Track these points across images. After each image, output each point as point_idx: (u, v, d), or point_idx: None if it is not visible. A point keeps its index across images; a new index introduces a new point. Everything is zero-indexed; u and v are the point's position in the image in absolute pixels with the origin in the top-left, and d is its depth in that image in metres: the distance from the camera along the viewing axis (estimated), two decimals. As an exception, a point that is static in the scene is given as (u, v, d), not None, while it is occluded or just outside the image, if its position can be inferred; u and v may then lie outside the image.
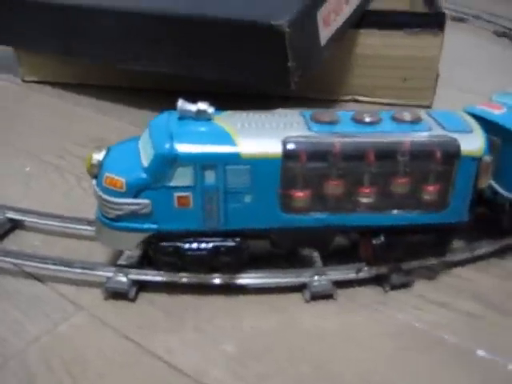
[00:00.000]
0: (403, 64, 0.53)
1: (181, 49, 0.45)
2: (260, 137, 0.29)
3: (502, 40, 0.76)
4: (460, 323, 0.31)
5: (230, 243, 0.30)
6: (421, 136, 0.30)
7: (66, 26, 0.50)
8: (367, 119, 0.30)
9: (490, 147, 0.32)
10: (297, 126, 0.30)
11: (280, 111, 0.31)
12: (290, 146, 0.28)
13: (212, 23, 0.43)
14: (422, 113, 0.32)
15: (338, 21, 0.47)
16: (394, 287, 0.33)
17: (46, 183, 0.42)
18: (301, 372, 0.28)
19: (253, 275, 0.32)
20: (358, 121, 0.30)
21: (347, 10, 0.48)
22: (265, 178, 0.29)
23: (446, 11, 0.80)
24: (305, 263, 0.33)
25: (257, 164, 0.29)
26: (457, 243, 0.36)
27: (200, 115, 0.29)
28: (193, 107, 0.29)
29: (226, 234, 0.30)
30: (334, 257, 0.34)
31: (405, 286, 0.33)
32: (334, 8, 0.46)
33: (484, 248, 0.35)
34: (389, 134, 0.30)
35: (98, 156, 0.30)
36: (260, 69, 0.43)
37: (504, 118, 0.32)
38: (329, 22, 0.46)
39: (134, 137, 0.31)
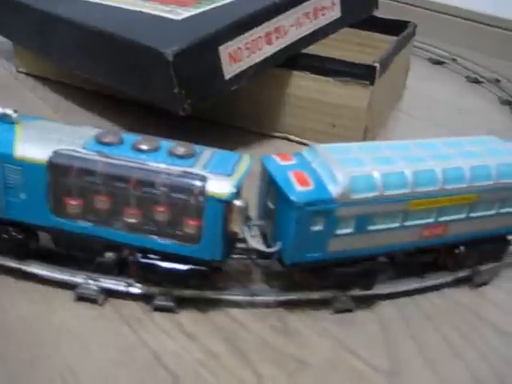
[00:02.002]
0: (332, 110, 0.53)
1: (102, 62, 0.50)
2: (36, 144, 0.33)
3: (505, 108, 0.71)
4: (192, 358, 0.32)
5: (10, 232, 0.34)
6: (176, 171, 0.31)
7: (40, 28, 0.57)
8: (143, 147, 0.33)
9: (271, 195, 0.33)
10: (77, 142, 0.33)
11: (86, 127, 0.35)
12: (54, 157, 0.32)
13: (121, 42, 0.47)
14: (208, 151, 0.34)
15: (254, 58, 0.48)
16: (158, 309, 0.35)
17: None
18: (19, 358, 0.31)
19: (37, 265, 0.36)
20: (134, 147, 0.33)
21: (268, 50, 0.49)
22: (34, 180, 0.33)
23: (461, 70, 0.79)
24: (102, 268, 0.36)
25: (27, 167, 0.32)
26: (259, 286, 0.37)
27: (4, 118, 0.34)
28: (-1, 110, 0.34)
29: (12, 223, 0.35)
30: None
31: (170, 310, 0.35)
32: (247, 46, 0.48)
33: (266, 297, 0.36)
34: (150, 163, 0.32)
35: None
36: (156, 90, 0.47)
37: (277, 169, 0.33)
38: (239, 58, 0.48)
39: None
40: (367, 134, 0.53)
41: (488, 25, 0.86)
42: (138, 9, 0.51)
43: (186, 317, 0.35)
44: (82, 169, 0.32)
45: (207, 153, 0.33)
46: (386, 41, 0.69)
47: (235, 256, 0.37)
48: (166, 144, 0.33)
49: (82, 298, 0.35)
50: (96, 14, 0.51)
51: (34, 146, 0.32)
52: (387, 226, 0.34)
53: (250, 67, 0.49)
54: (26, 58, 0.64)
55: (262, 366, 0.32)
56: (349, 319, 0.36)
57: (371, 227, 0.34)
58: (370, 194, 0.33)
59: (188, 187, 0.31)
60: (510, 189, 0.37)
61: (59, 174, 0.32)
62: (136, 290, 0.35)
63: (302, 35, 0.52)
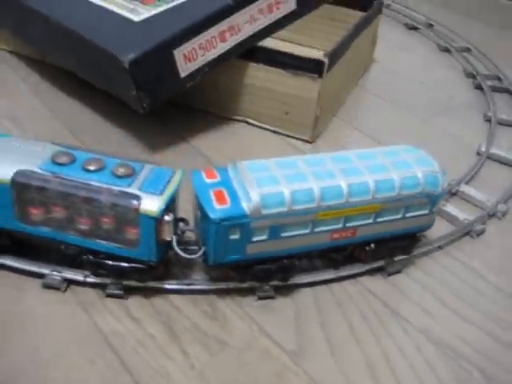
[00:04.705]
0: (285, 99, 0.57)
1: (72, 56, 0.55)
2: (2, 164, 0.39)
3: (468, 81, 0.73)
4: (134, 339, 0.39)
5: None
6: (115, 191, 0.37)
7: (16, 13, 0.61)
8: (90, 167, 0.39)
9: (198, 206, 0.39)
10: (34, 161, 0.39)
11: (48, 144, 0.41)
12: (17, 177, 0.38)
13: (85, 41, 0.51)
14: (146, 169, 0.39)
15: (208, 56, 0.53)
16: (109, 296, 0.42)
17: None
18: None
19: (10, 259, 0.43)
20: (83, 167, 0.39)
21: (222, 47, 0.53)
22: (2, 195, 0.39)
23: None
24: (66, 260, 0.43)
25: (-3, 184, 0.39)
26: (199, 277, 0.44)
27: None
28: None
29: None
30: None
31: (119, 297, 0.42)
32: (201, 46, 0.52)
33: (200, 285, 0.43)
34: (94, 183, 0.38)
35: None
36: (119, 89, 0.52)
37: (201, 187, 0.38)
38: (193, 57, 0.52)
39: None
40: (318, 121, 0.58)
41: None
42: (104, 5, 0.55)
43: (133, 303, 0.42)
44: (39, 186, 0.38)
45: (145, 171, 0.39)
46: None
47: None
48: (111, 163, 0.39)
49: (47, 286, 0.42)
50: (64, 9, 0.55)
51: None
52: (298, 232, 0.40)
53: (205, 65, 0.53)
54: (6, 35, 0.68)
55: (190, 345, 0.40)
56: (270, 306, 0.43)
57: (284, 234, 0.40)
58: (280, 210, 0.38)
59: (125, 205, 0.38)
60: (412, 197, 0.42)
61: (21, 190, 0.39)
62: (91, 279, 0.42)
63: (257, 30, 0.55)
